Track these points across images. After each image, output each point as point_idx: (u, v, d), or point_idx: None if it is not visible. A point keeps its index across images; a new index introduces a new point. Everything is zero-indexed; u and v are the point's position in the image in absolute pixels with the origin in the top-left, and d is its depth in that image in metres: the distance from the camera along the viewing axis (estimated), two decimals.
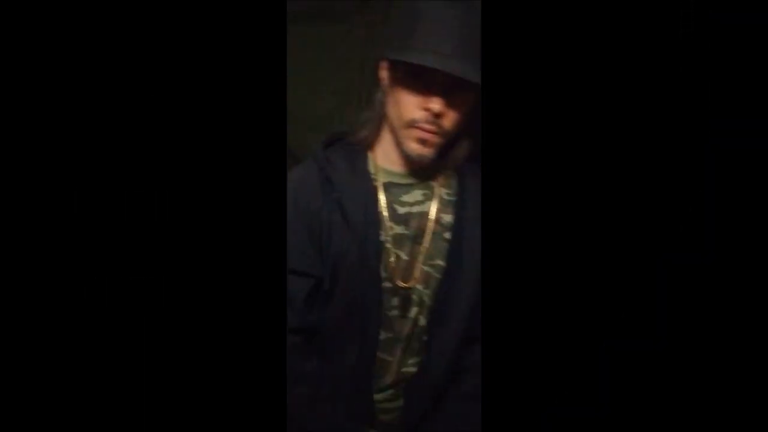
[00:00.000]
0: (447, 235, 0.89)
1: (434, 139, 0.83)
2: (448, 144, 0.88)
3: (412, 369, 0.90)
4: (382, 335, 0.88)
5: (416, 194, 0.89)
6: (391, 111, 0.85)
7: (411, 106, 0.82)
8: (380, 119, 0.89)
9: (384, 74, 0.86)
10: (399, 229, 0.88)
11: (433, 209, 0.89)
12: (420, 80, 0.81)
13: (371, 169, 0.90)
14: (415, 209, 0.89)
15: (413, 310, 0.88)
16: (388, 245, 0.87)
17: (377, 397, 0.90)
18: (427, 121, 0.82)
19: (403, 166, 0.89)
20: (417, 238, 0.88)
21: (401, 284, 0.86)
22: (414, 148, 0.84)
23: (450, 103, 0.81)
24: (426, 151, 0.84)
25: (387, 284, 0.87)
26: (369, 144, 0.91)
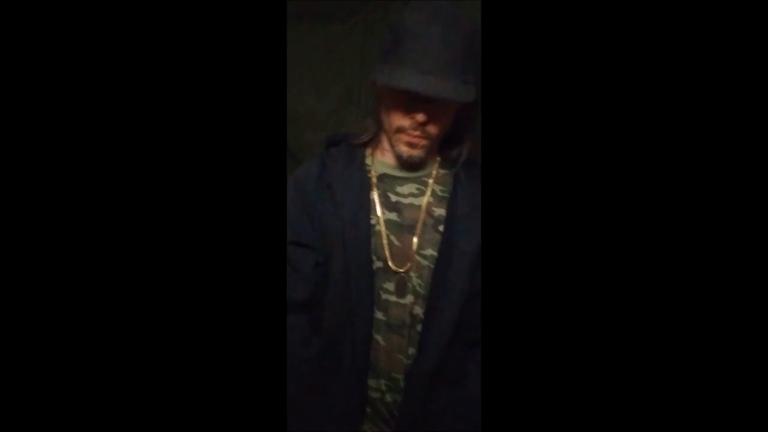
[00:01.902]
0: (440, 227, 0.94)
1: (422, 142, 0.92)
2: (446, 144, 0.97)
3: (407, 361, 0.91)
4: (378, 315, 0.92)
5: (410, 187, 0.97)
6: (384, 118, 0.94)
7: (399, 116, 0.91)
8: (377, 124, 0.98)
9: (376, 86, 0.94)
10: (391, 216, 0.94)
11: (425, 201, 0.95)
12: (404, 94, 0.88)
13: (368, 162, 0.98)
14: (408, 200, 0.96)
15: (408, 297, 0.92)
16: (379, 229, 0.93)
17: (370, 383, 0.92)
18: (413, 129, 0.91)
19: (398, 163, 0.97)
20: (409, 227, 0.94)
21: (395, 268, 0.92)
22: (404, 150, 0.93)
23: (434, 112, 0.90)
24: (415, 153, 0.93)
25: (379, 264, 0.92)
26: (367, 144, 0.99)
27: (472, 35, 0.86)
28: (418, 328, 0.92)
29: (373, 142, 0.99)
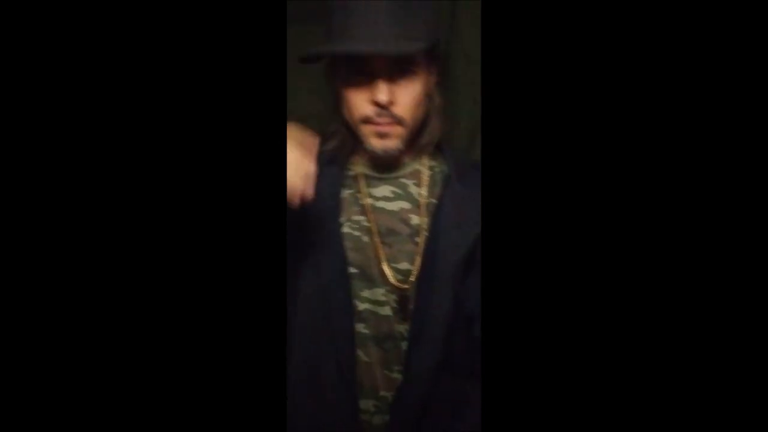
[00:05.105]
0: (416, 238, 0.84)
1: (393, 130, 0.80)
2: (416, 131, 0.85)
3: (395, 376, 0.84)
4: (358, 327, 0.84)
5: (384, 189, 0.87)
6: (345, 111, 0.83)
7: (358, 102, 0.80)
8: (343, 125, 0.85)
9: (329, 76, 0.84)
10: (362, 220, 0.85)
11: (398, 208, 0.85)
12: (359, 72, 0.78)
13: (350, 162, 0.88)
14: (380, 204, 0.86)
15: (385, 309, 0.84)
16: (352, 232, 0.84)
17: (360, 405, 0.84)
18: (378, 114, 0.79)
19: (375, 162, 0.86)
20: (379, 235, 0.84)
21: (397, 284, 0.82)
22: (375, 144, 0.81)
23: (398, 89, 0.79)
24: (389, 144, 0.81)
25: (353, 270, 0.83)
26: (345, 152, 0.88)
27: None
28: (403, 345, 0.84)
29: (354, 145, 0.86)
